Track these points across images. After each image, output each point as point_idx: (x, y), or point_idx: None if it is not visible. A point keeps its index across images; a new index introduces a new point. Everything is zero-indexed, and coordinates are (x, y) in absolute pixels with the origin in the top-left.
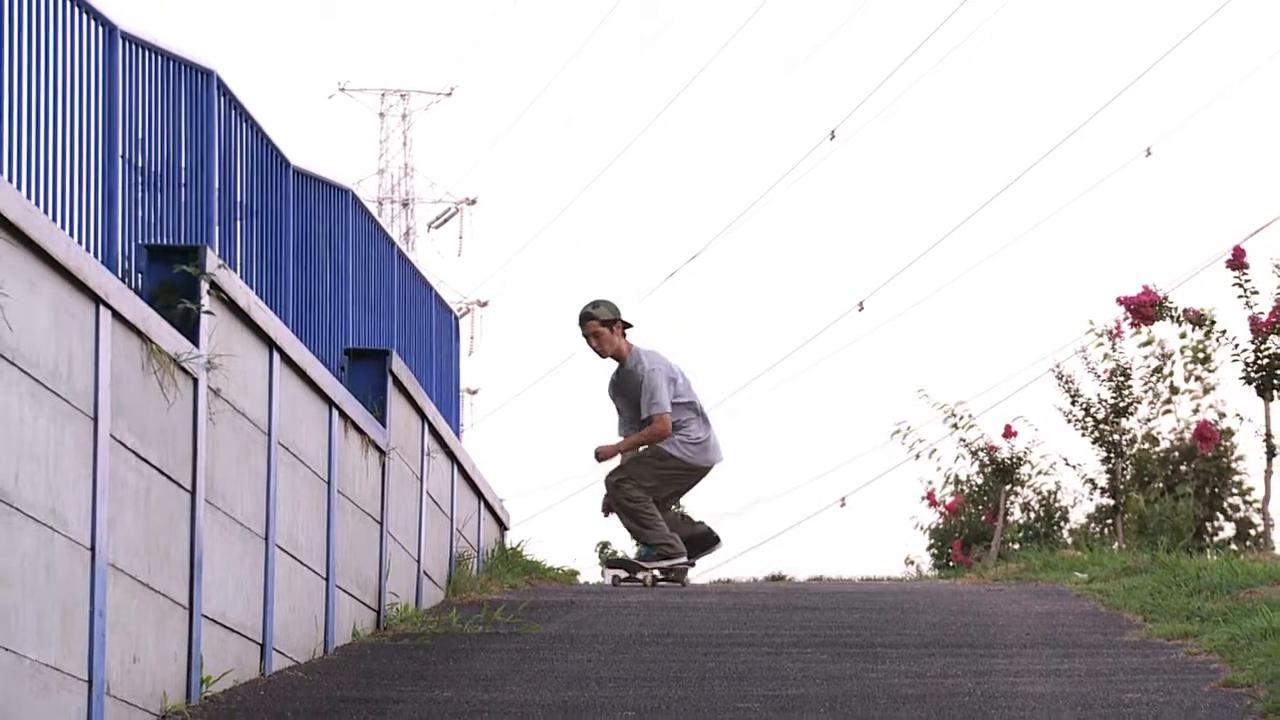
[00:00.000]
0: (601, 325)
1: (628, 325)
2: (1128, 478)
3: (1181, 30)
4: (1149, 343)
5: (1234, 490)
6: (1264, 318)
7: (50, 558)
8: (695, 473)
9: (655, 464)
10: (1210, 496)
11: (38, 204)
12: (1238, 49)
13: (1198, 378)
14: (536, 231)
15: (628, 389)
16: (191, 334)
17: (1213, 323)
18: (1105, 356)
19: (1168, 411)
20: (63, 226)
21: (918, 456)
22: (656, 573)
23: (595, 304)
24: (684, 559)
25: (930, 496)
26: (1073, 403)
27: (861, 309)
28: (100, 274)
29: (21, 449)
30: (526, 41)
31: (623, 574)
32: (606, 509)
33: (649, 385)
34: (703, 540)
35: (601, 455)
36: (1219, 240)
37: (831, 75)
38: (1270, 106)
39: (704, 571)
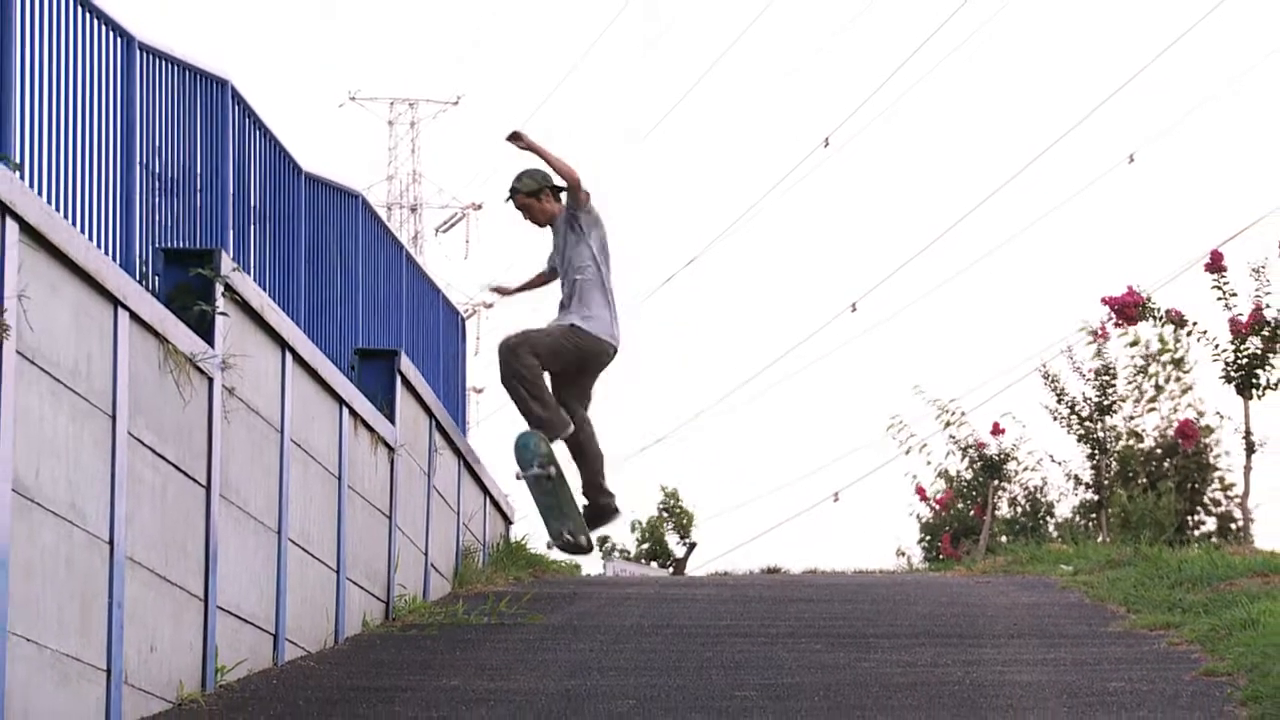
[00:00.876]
0: (528, 197)
1: (560, 189)
2: (1112, 474)
3: (1163, 42)
4: (1135, 343)
5: (1215, 485)
6: (1244, 319)
7: (70, 551)
8: (591, 353)
9: (560, 336)
10: (1191, 492)
11: (58, 209)
12: (1217, 60)
13: (1176, 378)
14: (540, 236)
15: (560, 240)
16: (207, 335)
17: (1193, 324)
18: (1097, 354)
19: (1151, 409)
20: (82, 231)
21: (908, 452)
22: (534, 475)
23: (518, 176)
24: (569, 429)
25: (920, 491)
26: (1058, 401)
27: (854, 310)
28: (119, 277)
29: (42, 446)
30: (529, 53)
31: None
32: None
33: (564, 162)
34: (602, 511)
35: (516, 135)
36: (1199, 244)
37: (826, 84)
38: (1249, 116)
39: (701, 565)
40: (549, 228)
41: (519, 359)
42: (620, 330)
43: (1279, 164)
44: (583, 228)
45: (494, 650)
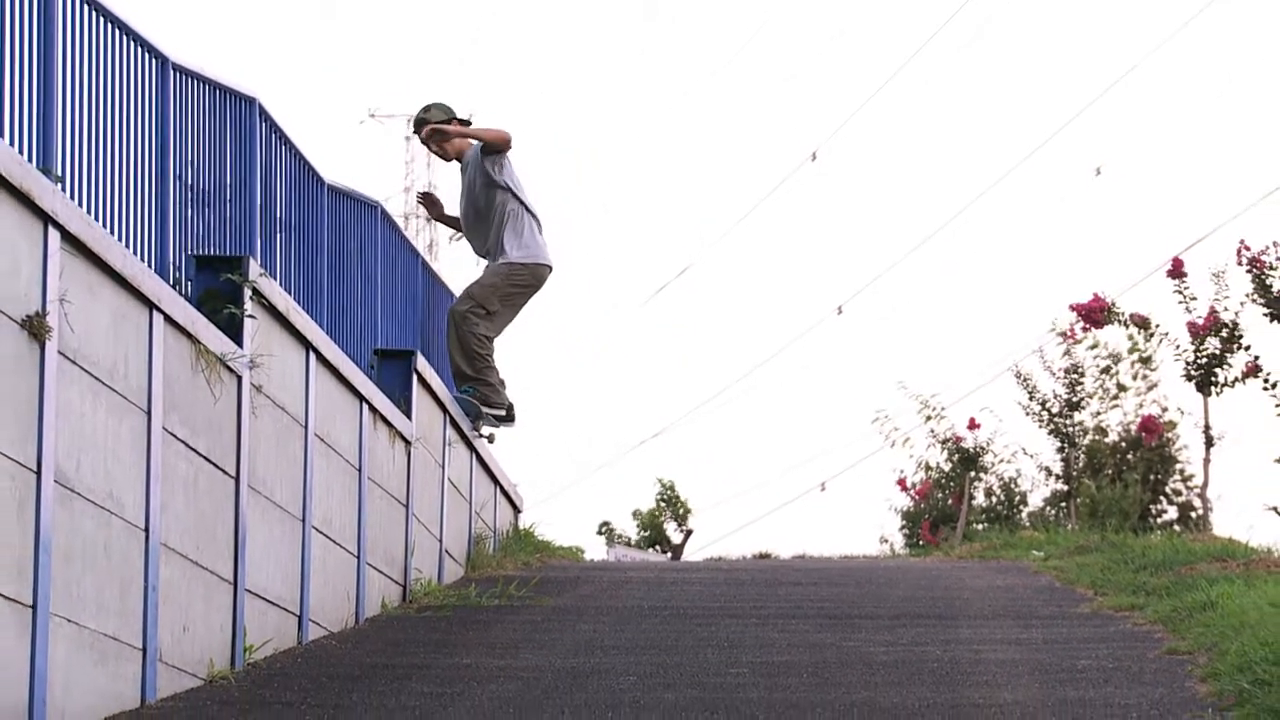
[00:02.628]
0: (437, 127)
1: (466, 123)
2: (1080, 466)
3: (1129, 62)
4: (1095, 346)
5: (1176, 477)
6: (1201, 322)
7: (108, 538)
8: (533, 286)
9: (502, 282)
10: (1154, 482)
11: (97, 219)
12: (1180, 81)
13: (1142, 376)
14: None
15: (468, 181)
16: (236, 336)
17: (1156, 326)
18: (1066, 354)
19: (1116, 406)
20: (119, 239)
21: (892, 445)
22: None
23: (426, 108)
24: (505, 410)
25: (902, 483)
26: (1030, 398)
27: (840, 313)
28: (153, 282)
29: (82, 440)
30: (535, 75)
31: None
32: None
33: (489, 127)
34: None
35: (438, 133)
36: (1162, 251)
37: (810, 101)
38: (1208, 133)
39: (697, 550)
40: (458, 165)
41: (471, 328)
42: (542, 239)
43: (1235, 178)
44: (500, 167)
45: (504, 630)
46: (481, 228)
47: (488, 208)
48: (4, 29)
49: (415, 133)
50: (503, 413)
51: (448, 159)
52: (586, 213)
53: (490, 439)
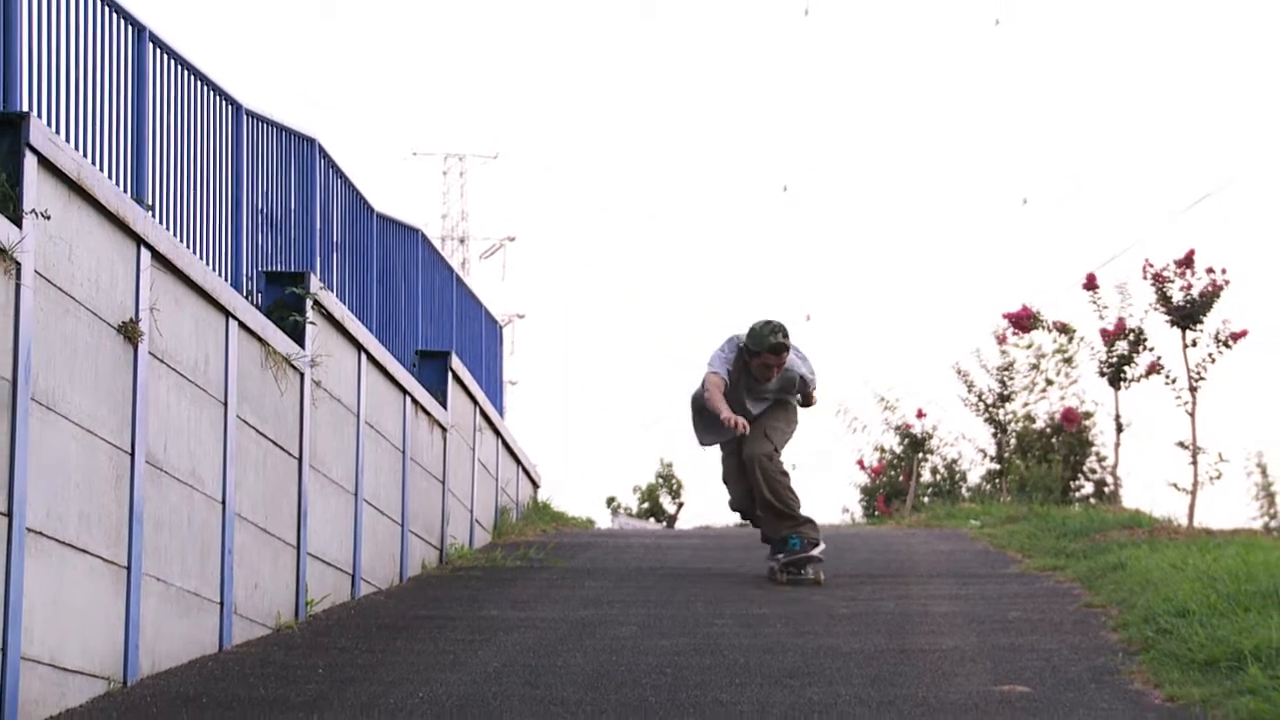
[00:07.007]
0: (784, 354)
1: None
2: (1011, 449)
3: (1051, 107)
4: (1030, 345)
5: (1092, 458)
6: (1111, 329)
7: (191, 509)
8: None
9: (787, 427)
10: (1074, 463)
11: (182, 240)
12: (1098, 121)
13: (1065, 373)
14: (562, 261)
15: (776, 382)
16: (299, 339)
17: (1073, 331)
18: (1003, 354)
19: (1044, 398)
20: (201, 257)
21: (853, 432)
22: (814, 572)
23: (785, 334)
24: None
25: (860, 463)
26: (969, 391)
27: (809, 320)
28: (230, 294)
29: (169, 427)
30: (553, 116)
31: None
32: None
33: (808, 377)
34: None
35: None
36: (1078, 268)
37: (780, 137)
38: (1116, 165)
39: (689, 520)
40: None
41: (778, 470)
42: None
43: (1137, 207)
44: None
45: (525, 587)
46: (760, 402)
47: (778, 400)
48: (104, 81)
49: (773, 353)
50: (821, 545)
51: (768, 379)
52: (601, 238)
53: (817, 578)
